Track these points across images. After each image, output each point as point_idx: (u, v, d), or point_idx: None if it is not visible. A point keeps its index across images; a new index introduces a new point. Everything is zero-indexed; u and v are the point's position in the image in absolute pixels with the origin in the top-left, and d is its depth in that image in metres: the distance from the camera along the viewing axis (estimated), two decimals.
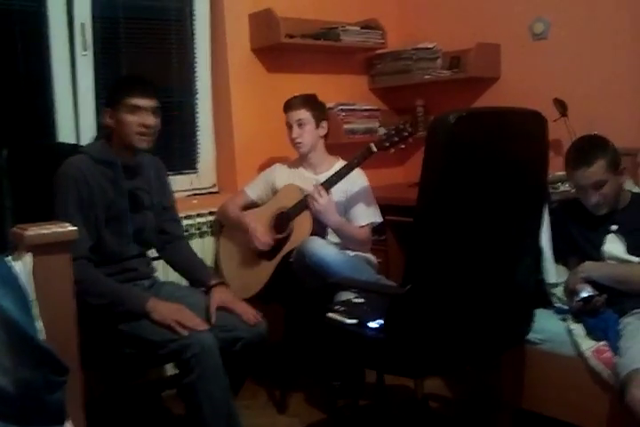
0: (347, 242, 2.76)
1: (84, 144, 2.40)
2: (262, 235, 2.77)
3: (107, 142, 2.25)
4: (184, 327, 2.04)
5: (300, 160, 2.96)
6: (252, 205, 2.98)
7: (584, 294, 2.14)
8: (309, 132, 2.85)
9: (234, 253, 2.95)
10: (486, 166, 1.77)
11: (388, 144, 2.65)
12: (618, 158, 2.28)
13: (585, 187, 2.24)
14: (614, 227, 2.28)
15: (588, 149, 2.27)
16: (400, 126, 2.66)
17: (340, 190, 2.78)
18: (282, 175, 2.95)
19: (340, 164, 2.91)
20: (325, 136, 2.93)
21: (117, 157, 2.22)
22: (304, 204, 2.71)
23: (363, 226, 2.81)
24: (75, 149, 2.29)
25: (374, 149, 2.65)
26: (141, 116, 2.18)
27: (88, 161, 2.18)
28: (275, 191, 2.93)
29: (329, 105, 3.18)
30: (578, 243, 2.34)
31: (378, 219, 2.84)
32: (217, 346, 2.05)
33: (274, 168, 3.01)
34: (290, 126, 2.87)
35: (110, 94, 2.25)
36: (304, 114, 2.84)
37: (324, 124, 2.90)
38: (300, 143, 2.85)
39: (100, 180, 2.18)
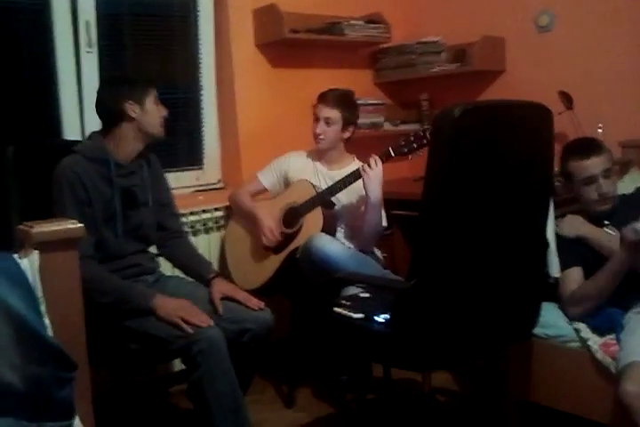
0: (369, 226, 2.70)
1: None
2: (271, 232, 2.77)
3: (102, 140, 2.25)
4: (189, 324, 2.05)
5: (317, 153, 2.95)
6: (264, 192, 2.98)
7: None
8: (333, 132, 2.82)
9: (241, 243, 2.95)
10: (491, 159, 1.76)
11: (406, 150, 2.60)
12: (612, 156, 2.39)
13: (596, 176, 2.26)
14: (606, 222, 2.31)
15: (591, 142, 2.36)
16: (420, 133, 2.61)
17: (354, 190, 2.77)
18: (295, 165, 2.93)
19: (355, 164, 2.88)
20: (348, 139, 2.89)
21: (110, 154, 2.22)
22: (316, 201, 2.71)
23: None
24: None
25: (392, 154, 2.62)
26: (163, 108, 2.30)
27: (81, 160, 2.18)
28: (286, 180, 2.92)
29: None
30: (583, 249, 2.32)
31: (385, 223, 2.82)
32: (224, 342, 2.05)
33: (288, 156, 2.98)
34: (317, 119, 2.83)
35: (136, 87, 2.25)
36: (335, 114, 2.80)
37: (351, 128, 2.86)
38: (321, 139, 2.83)
39: (95, 178, 2.18)
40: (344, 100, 2.85)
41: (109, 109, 2.24)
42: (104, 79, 2.42)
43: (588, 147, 2.32)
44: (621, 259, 2.11)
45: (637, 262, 2.12)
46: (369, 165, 2.60)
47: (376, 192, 2.62)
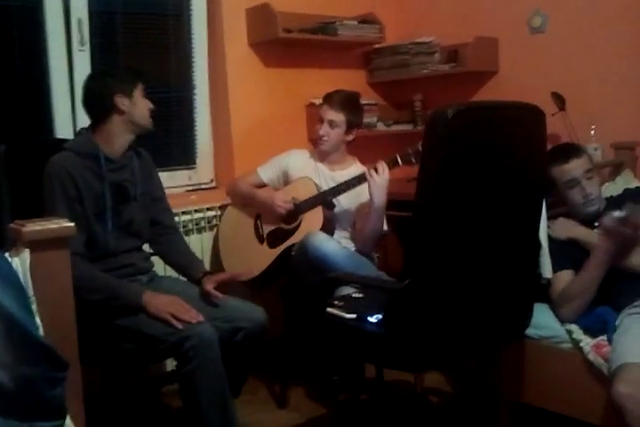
0: (370, 230, 2.70)
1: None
2: (281, 200, 2.76)
3: (91, 136, 2.25)
4: (179, 320, 2.05)
5: (319, 154, 2.94)
6: (261, 187, 2.97)
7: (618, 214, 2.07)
8: (336, 135, 2.82)
9: (235, 233, 2.95)
10: (484, 160, 1.76)
11: (413, 160, 2.59)
12: (592, 159, 2.47)
13: (578, 178, 2.30)
14: (597, 224, 2.31)
15: (571, 146, 2.45)
16: None
17: (355, 194, 2.77)
18: (297, 163, 2.92)
19: (356, 166, 2.89)
20: (351, 141, 2.89)
21: (100, 149, 2.22)
22: (317, 200, 2.71)
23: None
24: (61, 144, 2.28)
25: (399, 162, 2.61)
26: (148, 101, 2.31)
27: (72, 157, 2.18)
28: (287, 177, 2.91)
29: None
30: (575, 251, 2.32)
31: (386, 228, 2.82)
32: (216, 338, 2.06)
33: (290, 154, 2.98)
34: (321, 121, 2.82)
35: (125, 81, 2.26)
36: (340, 117, 2.80)
37: (355, 131, 2.86)
38: (324, 141, 2.82)
39: (86, 174, 2.18)
40: (350, 103, 2.84)
41: (99, 103, 2.24)
42: (92, 74, 2.40)
43: (567, 151, 2.36)
44: (603, 250, 2.13)
45: (619, 253, 2.13)
46: (376, 171, 2.60)
47: (380, 198, 2.61)
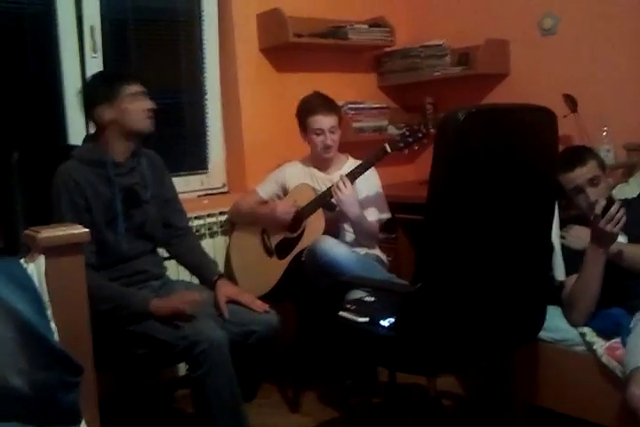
0: (360, 236, 2.75)
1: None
2: (283, 207, 2.76)
3: (96, 143, 2.25)
4: (185, 304, 2.08)
5: (312, 160, 2.95)
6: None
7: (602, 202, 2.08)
8: (339, 137, 2.84)
9: (245, 251, 2.95)
10: (496, 163, 1.76)
11: (402, 145, 2.64)
12: (604, 161, 2.41)
13: (582, 185, 2.29)
14: None
15: (578, 152, 2.38)
16: (414, 127, 2.65)
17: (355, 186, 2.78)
18: (293, 174, 2.94)
19: (350, 162, 2.90)
20: None
21: (107, 155, 2.22)
22: (317, 203, 2.72)
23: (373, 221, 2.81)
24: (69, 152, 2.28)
25: (388, 150, 2.64)
26: (144, 102, 2.23)
27: (78, 165, 2.18)
28: (285, 190, 2.93)
29: (338, 103, 3.17)
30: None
31: (387, 215, 2.84)
32: (226, 342, 2.07)
33: (284, 167, 3.01)
34: (320, 132, 2.80)
35: (104, 89, 2.21)
36: (336, 120, 2.82)
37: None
38: (331, 149, 2.83)
39: (94, 181, 2.18)
40: (333, 104, 2.87)
41: (88, 115, 2.25)
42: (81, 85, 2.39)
43: (572, 158, 2.33)
44: (593, 247, 2.12)
45: (606, 243, 2.11)
46: (338, 188, 2.61)
47: (353, 211, 2.65)
